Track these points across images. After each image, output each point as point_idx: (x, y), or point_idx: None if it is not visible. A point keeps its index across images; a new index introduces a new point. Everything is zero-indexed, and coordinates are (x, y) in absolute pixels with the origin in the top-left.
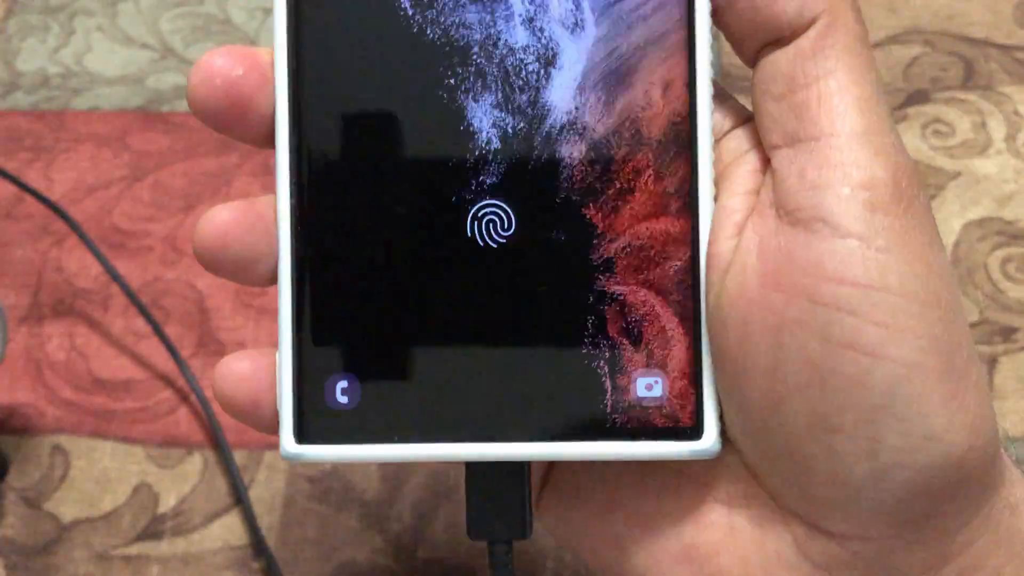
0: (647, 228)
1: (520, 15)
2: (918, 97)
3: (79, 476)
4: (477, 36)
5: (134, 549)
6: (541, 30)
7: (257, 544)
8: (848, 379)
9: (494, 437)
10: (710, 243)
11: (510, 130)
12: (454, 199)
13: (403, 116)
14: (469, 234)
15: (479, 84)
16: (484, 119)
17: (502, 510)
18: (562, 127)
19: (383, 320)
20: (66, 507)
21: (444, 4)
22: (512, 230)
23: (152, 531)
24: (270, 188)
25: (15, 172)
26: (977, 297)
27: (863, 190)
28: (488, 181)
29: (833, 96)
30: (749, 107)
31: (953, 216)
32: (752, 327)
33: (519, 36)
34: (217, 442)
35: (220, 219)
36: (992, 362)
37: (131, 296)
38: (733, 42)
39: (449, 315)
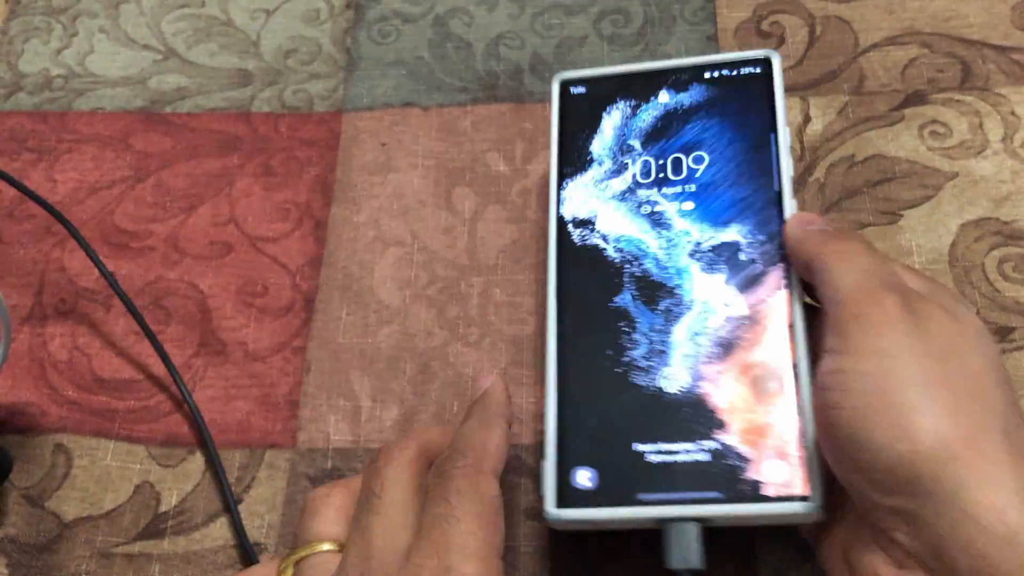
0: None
1: (680, 267)
2: (915, 98)
3: (81, 475)
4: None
5: (135, 547)
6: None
7: (246, 556)
8: None
9: (680, 503)
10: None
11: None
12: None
13: (620, 302)
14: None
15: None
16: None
17: (688, 550)
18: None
19: (611, 431)
20: (68, 505)
21: (634, 254)
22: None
23: (153, 530)
24: (271, 188)
25: (18, 172)
26: (974, 297)
27: None
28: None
29: None
30: None
31: (950, 216)
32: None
33: (685, 285)
34: (207, 447)
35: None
36: None
37: (124, 300)
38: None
39: (650, 425)
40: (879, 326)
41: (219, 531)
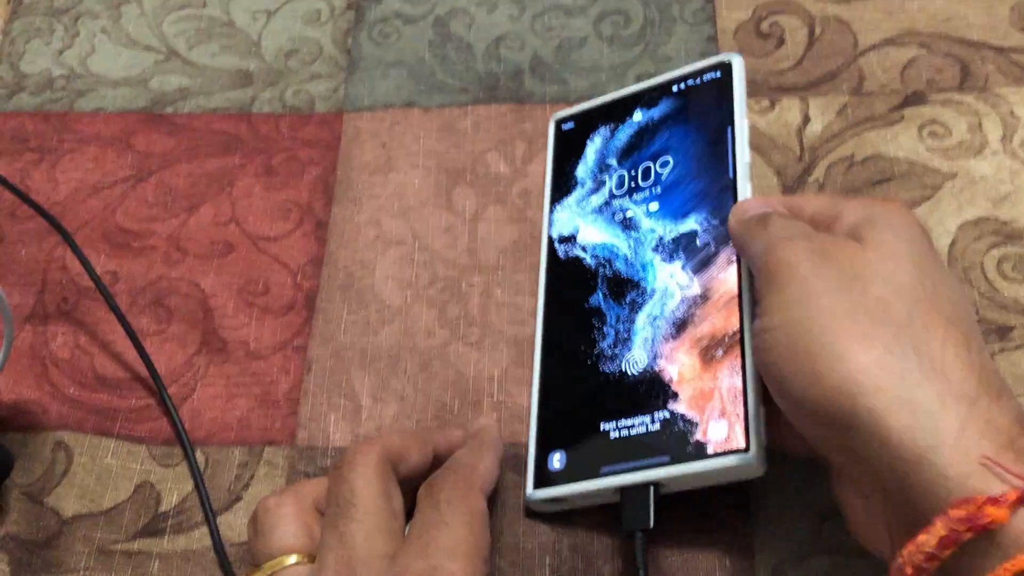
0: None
1: (651, 273)
2: (915, 99)
3: (81, 472)
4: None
5: (135, 545)
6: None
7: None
8: None
9: (634, 470)
10: None
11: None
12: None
13: (592, 302)
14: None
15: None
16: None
17: (640, 512)
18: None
19: (580, 416)
20: (67, 502)
21: (607, 258)
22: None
23: (153, 528)
24: (272, 188)
25: (20, 173)
26: (973, 296)
27: None
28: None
29: None
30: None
31: (949, 216)
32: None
33: (648, 277)
34: (185, 451)
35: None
36: None
37: (111, 304)
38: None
39: (613, 405)
40: (781, 278)
41: (219, 530)
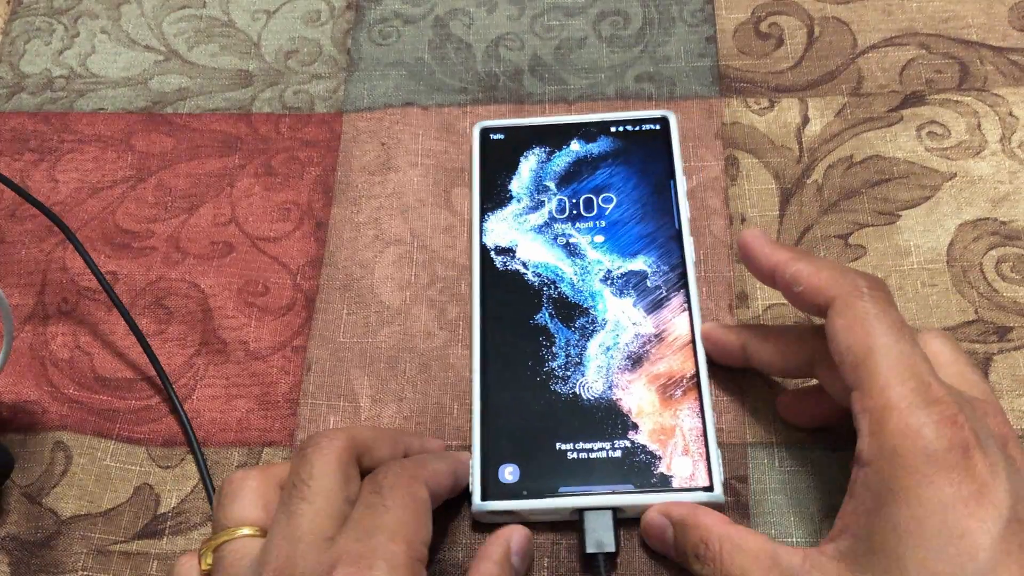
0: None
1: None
2: (914, 99)
3: (80, 473)
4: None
5: (133, 546)
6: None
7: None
8: None
9: (594, 494)
10: None
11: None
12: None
13: (532, 316)
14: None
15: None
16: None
17: (603, 536)
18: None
19: (533, 432)
20: (65, 503)
21: (551, 279)
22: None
23: (152, 530)
24: (272, 188)
25: (20, 173)
26: (972, 297)
27: None
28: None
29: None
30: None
31: (948, 217)
32: None
33: (598, 306)
34: (193, 451)
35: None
36: (987, 361)
37: (116, 303)
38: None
39: (569, 426)
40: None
41: None
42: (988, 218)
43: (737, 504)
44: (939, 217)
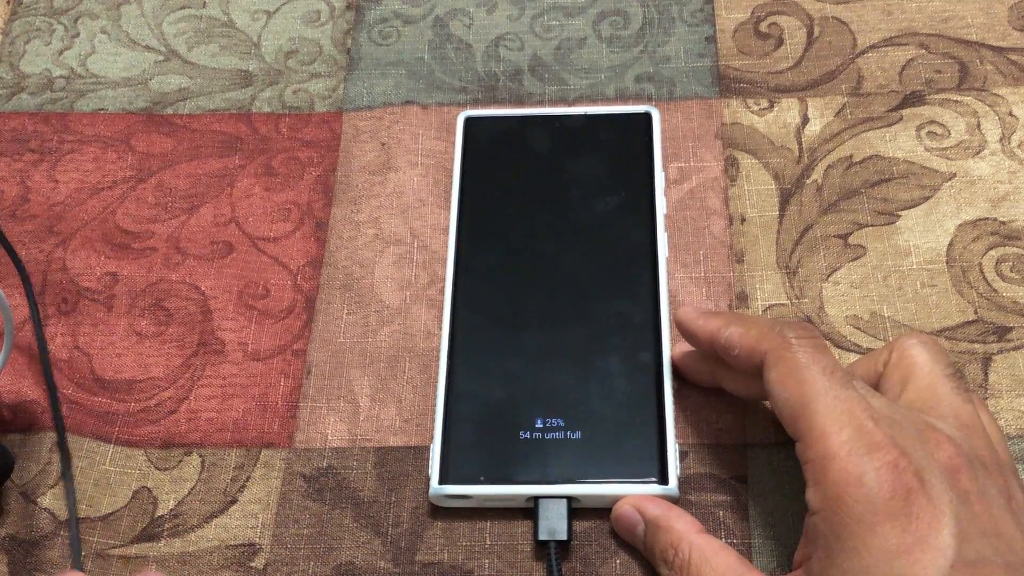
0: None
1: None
2: (913, 99)
3: (78, 475)
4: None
5: (132, 549)
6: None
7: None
8: None
9: (549, 482)
10: None
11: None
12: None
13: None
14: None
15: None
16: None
17: (555, 524)
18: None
19: (492, 420)
20: (62, 503)
21: (529, 273)
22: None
23: (150, 533)
24: (272, 188)
25: (20, 173)
26: (972, 297)
27: None
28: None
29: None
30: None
31: (948, 217)
32: None
33: (568, 300)
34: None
35: None
36: (986, 361)
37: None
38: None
39: (528, 416)
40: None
41: (214, 532)
42: (988, 218)
43: (737, 504)
44: (939, 217)
